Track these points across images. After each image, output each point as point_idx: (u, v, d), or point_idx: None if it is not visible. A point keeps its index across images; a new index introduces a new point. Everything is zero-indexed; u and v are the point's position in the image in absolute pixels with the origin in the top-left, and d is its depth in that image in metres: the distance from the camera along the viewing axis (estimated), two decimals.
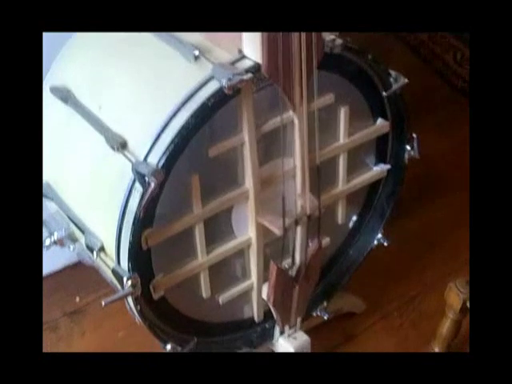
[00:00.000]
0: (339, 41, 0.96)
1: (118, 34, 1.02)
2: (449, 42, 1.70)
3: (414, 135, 1.12)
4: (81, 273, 1.32)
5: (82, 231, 1.04)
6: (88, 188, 1.03)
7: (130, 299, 0.99)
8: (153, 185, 0.90)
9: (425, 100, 1.54)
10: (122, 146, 0.95)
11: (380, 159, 1.16)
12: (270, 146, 1.02)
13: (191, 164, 0.96)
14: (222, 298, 1.11)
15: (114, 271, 0.98)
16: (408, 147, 1.13)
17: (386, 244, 1.21)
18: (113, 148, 0.95)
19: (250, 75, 0.90)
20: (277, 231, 1.04)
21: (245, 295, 1.14)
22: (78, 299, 1.37)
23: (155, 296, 1.02)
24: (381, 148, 1.15)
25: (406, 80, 1.04)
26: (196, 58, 0.93)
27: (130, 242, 0.94)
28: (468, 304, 1.14)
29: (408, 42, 1.70)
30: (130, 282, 0.96)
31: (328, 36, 0.95)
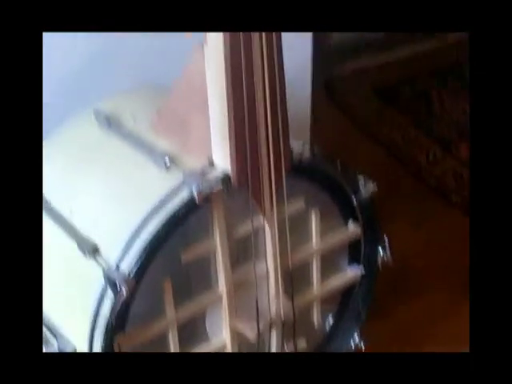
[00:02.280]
0: (307, 152, 0.98)
1: (91, 139, 1.05)
2: (421, 142, 1.74)
3: (386, 239, 1.13)
4: None
5: (55, 335, 1.03)
6: (61, 292, 1.02)
7: None
8: (124, 293, 0.91)
9: (398, 198, 1.56)
10: (93, 251, 0.96)
11: (353, 260, 1.17)
12: (244, 249, 1.03)
13: (164, 268, 0.96)
14: None
15: None
16: (380, 249, 1.15)
17: (363, 348, 1.20)
18: (84, 253, 0.96)
19: (219, 185, 0.92)
20: (251, 337, 1.03)
21: None
22: None
23: None
24: (354, 249, 1.16)
25: (375, 186, 1.06)
26: (167, 166, 0.95)
27: (101, 349, 0.93)
28: None
29: (382, 142, 1.73)
30: None
31: (296, 147, 0.98)
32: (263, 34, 0.88)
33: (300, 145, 0.99)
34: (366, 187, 1.06)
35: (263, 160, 0.93)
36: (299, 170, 0.99)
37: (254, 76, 0.89)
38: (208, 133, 0.94)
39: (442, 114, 1.81)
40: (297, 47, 1.34)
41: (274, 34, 0.90)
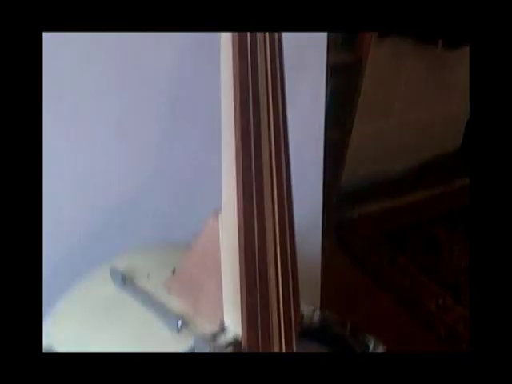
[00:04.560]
0: (317, 316, 1.00)
1: (105, 297, 1.06)
2: (431, 288, 1.75)
3: None
4: None
5: None
6: None
7: None
8: None
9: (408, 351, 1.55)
10: None
11: None
12: None
13: None
14: None
15: None
16: None
17: None
18: None
19: (230, 350, 0.93)
20: None
21: None
22: None
23: None
24: None
25: (385, 348, 1.06)
26: (179, 328, 0.97)
27: None
28: None
29: (391, 288, 1.74)
30: None
31: (306, 311, 0.99)
32: (275, 204, 0.92)
33: (310, 309, 1.01)
34: (376, 349, 1.07)
35: (274, 325, 0.95)
36: (309, 335, 1.00)
37: (266, 250, 0.92)
38: (220, 297, 0.96)
39: (451, 258, 1.83)
40: (307, 198, 1.38)
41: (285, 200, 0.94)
